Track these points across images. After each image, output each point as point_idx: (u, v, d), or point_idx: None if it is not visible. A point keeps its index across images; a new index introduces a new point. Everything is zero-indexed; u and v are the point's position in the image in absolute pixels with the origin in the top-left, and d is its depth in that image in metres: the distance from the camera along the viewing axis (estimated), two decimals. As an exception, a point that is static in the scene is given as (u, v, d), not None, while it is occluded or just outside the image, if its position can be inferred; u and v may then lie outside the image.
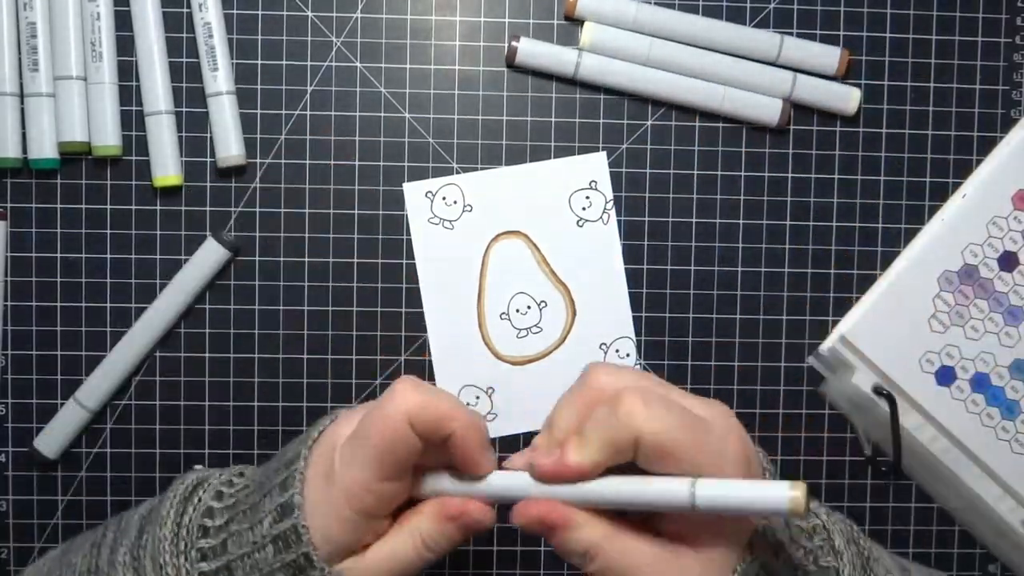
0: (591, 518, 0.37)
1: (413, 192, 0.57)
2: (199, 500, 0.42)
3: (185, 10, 0.56)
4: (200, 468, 0.46)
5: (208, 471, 0.44)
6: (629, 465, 0.37)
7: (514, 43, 0.56)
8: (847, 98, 0.57)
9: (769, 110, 0.57)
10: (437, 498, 0.40)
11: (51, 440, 0.56)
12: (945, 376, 0.58)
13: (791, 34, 0.57)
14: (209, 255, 0.56)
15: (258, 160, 0.57)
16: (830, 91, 0.57)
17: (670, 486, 0.36)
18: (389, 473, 0.37)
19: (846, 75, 0.57)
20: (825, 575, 0.41)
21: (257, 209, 0.57)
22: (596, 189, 0.57)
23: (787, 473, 0.58)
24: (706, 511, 0.35)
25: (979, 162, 0.58)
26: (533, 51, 0.56)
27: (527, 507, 0.38)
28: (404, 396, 0.37)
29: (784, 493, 0.34)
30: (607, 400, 0.37)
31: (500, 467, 0.40)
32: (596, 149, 0.57)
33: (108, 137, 0.55)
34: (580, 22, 0.57)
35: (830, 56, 0.57)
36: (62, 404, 0.56)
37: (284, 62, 0.56)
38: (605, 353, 0.57)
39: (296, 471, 0.39)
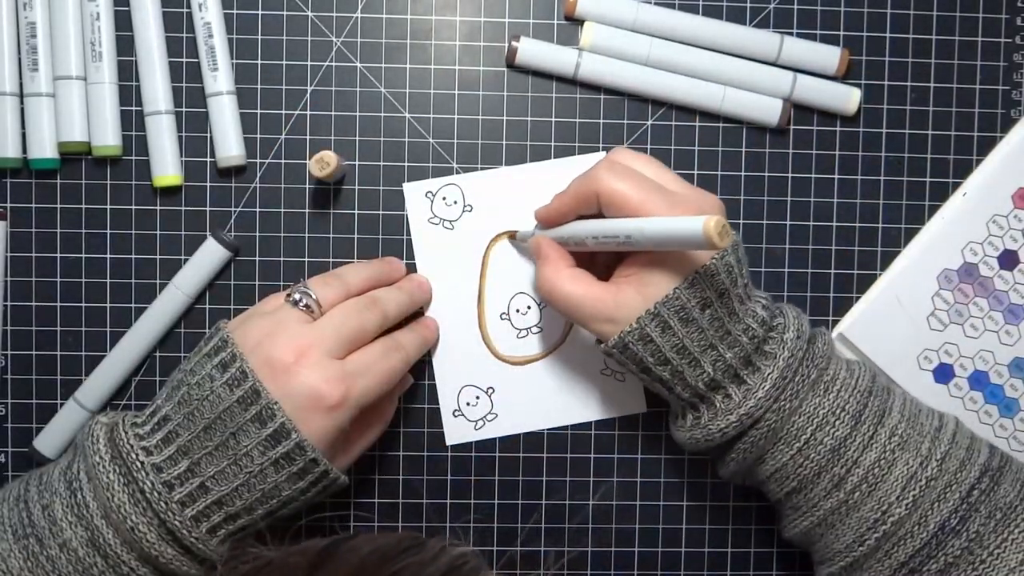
0: (556, 262, 0.50)
1: (413, 192, 0.57)
2: (135, 458, 0.45)
3: (185, 10, 0.56)
4: (101, 419, 0.48)
5: (103, 424, 0.47)
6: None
7: (514, 43, 0.56)
8: (847, 98, 0.57)
9: (769, 111, 0.57)
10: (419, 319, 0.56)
11: (51, 440, 0.56)
12: (943, 374, 0.58)
13: (791, 34, 0.57)
14: (209, 255, 0.56)
15: (258, 160, 0.57)
16: (830, 91, 0.57)
17: (614, 223, 0.47)
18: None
19: (846, 75, 0.57)
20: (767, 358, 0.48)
21: (257, 209, 0.57)
22: (596, 189, 0.57)
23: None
24: (637, 242, 0.45)
25: (979, 162, 0.58)
26: (533, 51, 0.56)
27: (532, 239, 0.53)
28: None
29: (697, 223, 0.41)
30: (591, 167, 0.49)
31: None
32: (596, 149, 0.57)
33: (108, 137, 0.55)
34: (580, 22, 0.57)
35: (830, 56, 0.57)
36: (62, 404, 0.56)
37: (284, 62, 0.56)
38: (605, 353, 0.58)
39: (269, 404, 0.45)
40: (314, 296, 0.49)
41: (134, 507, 0.45)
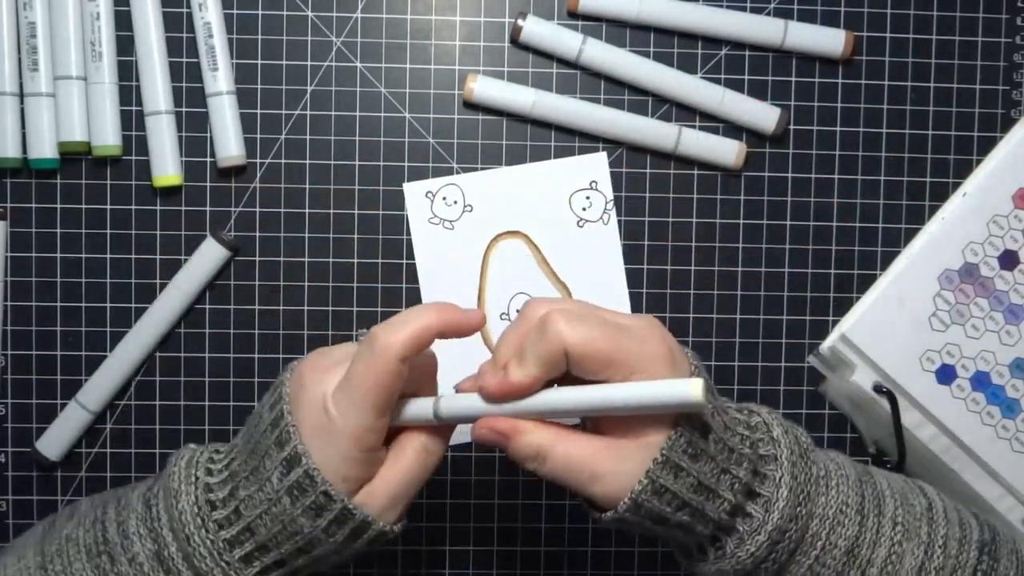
0: (538, 425, 0.43)
1: (413, 192, 0.57)
2: (195, 477, 0.45)
3: (185, 10, 0.56)
4: (191, 445, 0.47)
5: (190, 448, 0.47)
6: (567, 378, 0.43)
7: (519, 21, 0.56)
8: (838, 39, 0.57)
9: (766, 118, 0.57)
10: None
11: (53, 441, 0.56)
12: (945, 374, 0.58)
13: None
14: (209, 255, 0.56)
15: (258, 160, 0.57)
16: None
17: (594, 392, 0.41)
18: (384, 410, 0.42)
19: (850, 61, 0.57)
20: (766, 464, 0.44)
21: (257, 209, 0.57)
22: (596, 189, 0.57)
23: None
24: (624, 411, 0.41)
25: (979, 162, 0.58)
26: (538, 30, 0.56)
27: (481, 424, 0.43)
28: (388, 339, 0.42)
29: (683, 389, 0.39)
30: (537, 324, 0.42)
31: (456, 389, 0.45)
32: (596, 149, 0.57)
33: (108, 137, 0.55)
34: (582, 17, 0.57)
35: (835, 38, 0.57)
36: (62, 405, 0.56)
37: (284, 62, 0.56)
38: (605, 353, 0.57)
39: (287, 426, 0.43)
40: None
41: (192, 518, 0.44)
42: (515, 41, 0.57)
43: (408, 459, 0.45)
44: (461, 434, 0.58)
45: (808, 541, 0.44)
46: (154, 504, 0.45)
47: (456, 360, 0.57)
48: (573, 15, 0.57)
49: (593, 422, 0.44)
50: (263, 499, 0.43)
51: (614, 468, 0.42)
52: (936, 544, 0.45)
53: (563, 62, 0.57)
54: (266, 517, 0.43)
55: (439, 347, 0.57)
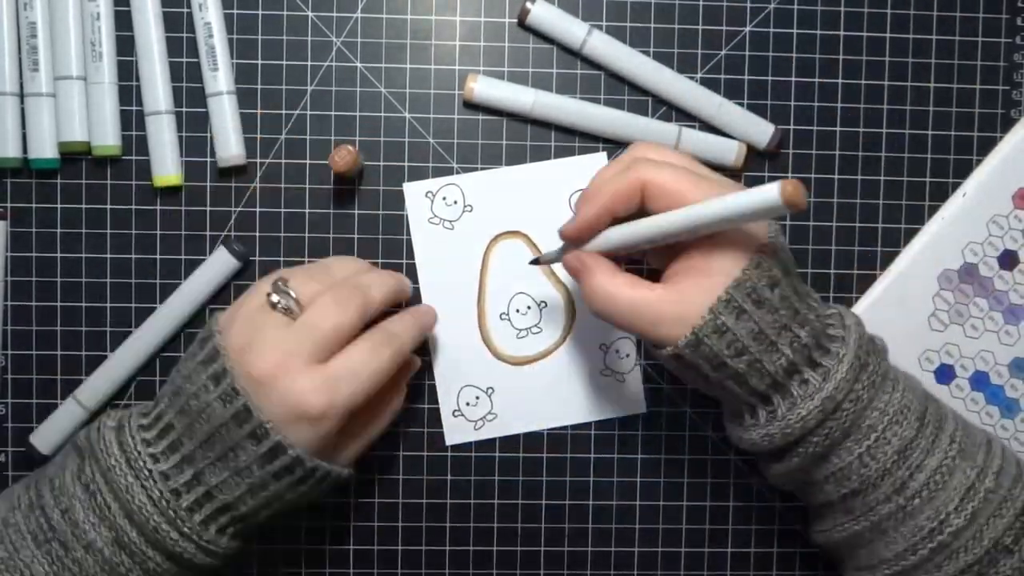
0: (607, 271, 0.46)
1: (413, 192, 0.57)
2: (143, 465, 0.46)
3: (185, 10, 0.56)
4: (109, 423, 0.48)
5: (109, 428, 0.47)
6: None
7: (528, 4, 0.56)
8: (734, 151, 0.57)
9: (760, 133, 0.57)
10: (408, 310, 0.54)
11: (48, 437, 0.56)
12: (944, 374, 0.58)
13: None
14: (219, 264, 0.56)
15: (258, 160, 0.57)
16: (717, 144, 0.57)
17: (683, 215, 0.43)
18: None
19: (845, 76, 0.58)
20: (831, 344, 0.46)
21: (257, 209, 0.57)
22: (596, 189, 0.57)
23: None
24: (708, 227, 0.43)
25: (979, 162, 0.58)
26: (546, 16, 0.56)
27: (565, 259, 0.49)
28: (407, 345, 0.51)
29: (774, 188, 0.40)
30: (626, 160, 0.46)
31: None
32: (596, 149, 0.57)
33: (108, 137, 0.55)
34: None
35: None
36: (62, 404, 0.56)
37: (284, 62, 0.56)
38: (605, 353, 0.58)
39: (262, 425, 0.45)
40: (294, 295, 0.47)
41: (154, 507, 0.45)
42: (522, 24, 0.56)
43: (380, 421, 0.52)
44: (460, 436, 0.58)
45: (863, 430, 0.45)
46: (96, 491, 0.45)
47: (456, 361, 0.58)
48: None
49: (663, 274, 0.47)
50: (242, 482, 0.46)
51: (678, 311, 0.44)
52: (990, 470, 0.45)
53: (566, 51, 0.57)
54: (247, 496, 0.46)
55: (443, 346, 0.57)
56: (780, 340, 0.44)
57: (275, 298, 0.47)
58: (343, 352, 0.47)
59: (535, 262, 0.53)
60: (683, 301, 0.44)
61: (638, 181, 0.45)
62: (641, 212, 0.46)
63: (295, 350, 0.45)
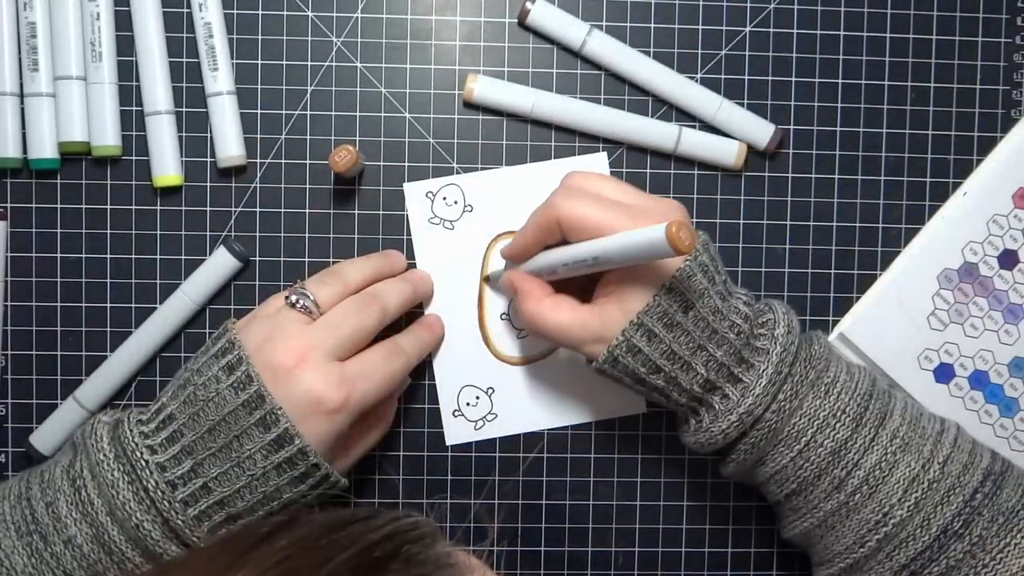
0: (541, 296, 0.49)
1: (413, 192, 0.57)
2: (141, 459, 0.46)
3: (185, 10, 0.56)
4: (103, 419, 0.48)
5: (104, 423, 0.48)
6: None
7: (528, 4, 0.56)
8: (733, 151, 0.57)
9: (761, 133, 0.57)
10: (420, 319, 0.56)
11: (47, 437, 0.56)
12: (944, 373, 0.58)
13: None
14: (219, 264, 0.56)
15: (258, 160, 0.57)
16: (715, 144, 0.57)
17: (580, 248, 0.47)
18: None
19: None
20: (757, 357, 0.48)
21: (257, 209, 0.57)
22: (596, 189, 0.57)
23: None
24: (605, 262, 0.45)
25: (979, 162, 0.58)
26: (546, 16, 0.56)
27: (504, 277, 0.53)
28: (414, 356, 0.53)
29: (658, 231, 0.41)
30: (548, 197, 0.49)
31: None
32: (596, 149, 0.57)
33: (108, 137, 0.55)
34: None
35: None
36: (62, 404, 0.56)
37: (284, 62, 0.56)
38: (605, 353, 0.58)
39: (273, 410, 0.45)
40: (312, 297, 0.49)
41: (138, 505, 0.45)
42: (522, 24, 0.56)
43: (374, 433, 0.53)
44: (461, 436, 0.58)
45: (792, 435, 0.48)
46: (81, 486, 0.46)
47: (456, 361, 0.58)
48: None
49: (592, 294, 0.50)
50: (243, 474, 0.46)
51: (598, 332, 0.47)
52: (936, 460, 0.47)
53: (566, 51, 0.57)
54: (245, 490, 0.46)
55: (443, 346, 0.57)
56: (695, 360, 0.47)
57: (294, 298, 0.49)
58: (358, 355, 0.49)
59: (486, 280, 0.57)
60: (604, 324, 0.47)
61: (553, 215, 0.48)
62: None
63: (317, 344, 0.47)
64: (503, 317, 0.57)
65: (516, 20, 0.57)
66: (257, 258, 0.57)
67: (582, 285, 0.51)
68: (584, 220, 0.47)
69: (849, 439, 0.47)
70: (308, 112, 0.57)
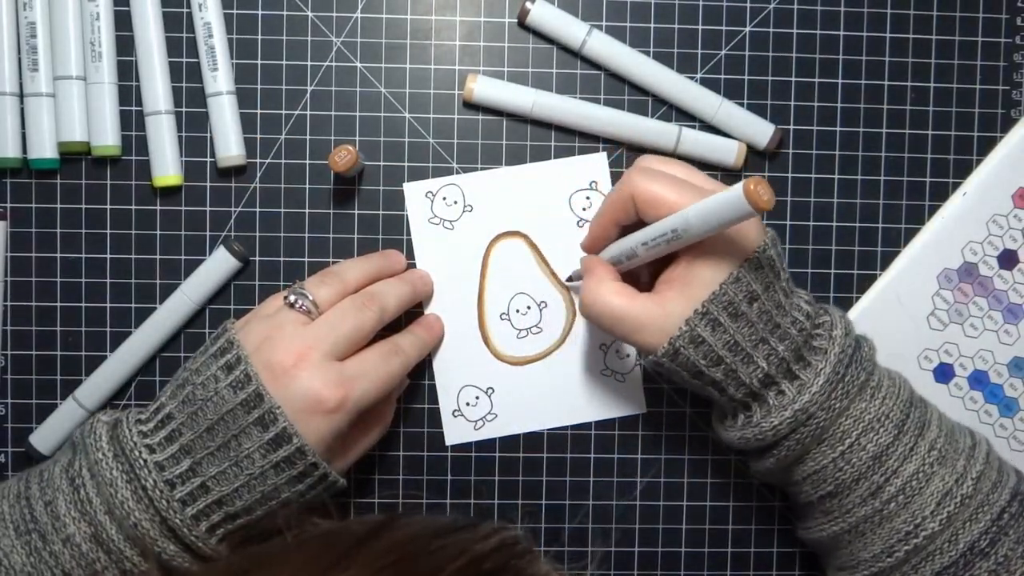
0: (602, 282, 0.48)
1: (413, 192, 0.57)
2: (141, 458, 0.46)
3: (185, 10, 0.56)
4: (103, 419, 0.48)
5: (102, 423, 0.48)
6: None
7: (528, 4, 0.56)
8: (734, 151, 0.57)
9: (760, 133, 0.57)
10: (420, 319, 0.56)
11: (47, 437, 0.56)
12: (943, 373, 0.58)
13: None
14: (219, 264, 0.56)
15: (258, 160, 0.57)
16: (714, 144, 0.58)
17: (659, 224, 0.46)
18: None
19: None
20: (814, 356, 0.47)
21: (257, 209, 0.57)
22: (596, 189, 0.57)
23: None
24: (685, 233, 0.44)
25: (979, 162, 0.58)
26: (546, 16, 0.56)
27: (581, 264, 0.52)
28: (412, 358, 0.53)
29: (737, 189, 0.41)
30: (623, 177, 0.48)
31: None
32: (596, 149, 0.57)
33: (108, 137, 0.55)
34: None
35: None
36: (62, 404, 0.56)
37: (284, 62, 0.56)
38: (605, 354, 0.58)
39: (272, 408, 0.45)
40: (311, 297, 0.49)
41: (137, 504, 0.45)
42: (521, 23, 0.56)
43: (372, 434, 0.52)
44: (460, 436, 0.58)
45: (837, 436, 0.47)
46: (80, 485, 0.46)
47: (456, 361, 0.58)
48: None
49: (654, 283, 0.49)
50: (241, 473, 0.46)
51: (659, 321, 0.46)
52: (969, 476, 0.47)
53: (566, 51, 0.57)
54: (243, 489, 0.46)
55: (443, 346, 0.57)
56: (756, 353, 0.46)
57: (292, 298, 0.49)
58: (357, 355, 0.49)
59: (569, 279, 0.57)
60: (664, 311, 0.46)
61: (628, 192, 0.47)
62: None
63: (315, 344, 0.47)
64: (503, 317, 0.57)
65: (516, 20, 0.57)
66: (257, 258, 0.57)
67: (649, 284, 0.50)
68: (658, 196, 0.46)
69: (890, 445, 0.47)
70: (308, 112, 0.57)
